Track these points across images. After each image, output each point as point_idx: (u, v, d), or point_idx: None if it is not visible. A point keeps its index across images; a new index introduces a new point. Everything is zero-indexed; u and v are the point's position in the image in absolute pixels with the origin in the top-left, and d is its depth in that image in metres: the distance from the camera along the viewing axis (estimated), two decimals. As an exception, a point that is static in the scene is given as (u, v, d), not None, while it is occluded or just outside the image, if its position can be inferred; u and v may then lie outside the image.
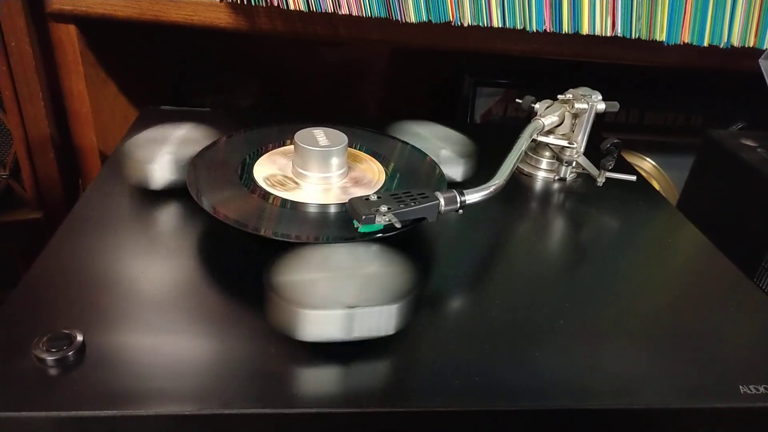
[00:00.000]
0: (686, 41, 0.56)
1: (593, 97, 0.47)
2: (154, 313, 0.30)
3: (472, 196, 0.36)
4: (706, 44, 0.57)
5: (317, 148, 0.38)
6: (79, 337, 0.27)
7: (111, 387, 0.26)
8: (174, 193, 0.40)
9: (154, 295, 0.32)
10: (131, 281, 0.32)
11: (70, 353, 0.27)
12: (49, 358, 0.26)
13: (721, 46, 0.57)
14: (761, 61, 0.52)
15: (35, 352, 0.26)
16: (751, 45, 0.57)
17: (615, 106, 0.48)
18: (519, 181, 0.49)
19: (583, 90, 0.48)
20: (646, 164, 0.83)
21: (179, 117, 0.53)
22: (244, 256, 0.36)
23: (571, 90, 0.49)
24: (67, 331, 0.27)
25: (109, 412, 0.25)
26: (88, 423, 0.25)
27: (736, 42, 0.57)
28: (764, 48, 0.57)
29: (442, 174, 0.42)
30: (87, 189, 0.41)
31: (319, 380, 0.28)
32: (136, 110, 0.70)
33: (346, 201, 0.34)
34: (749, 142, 0.58)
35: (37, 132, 0.59)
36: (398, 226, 0.33)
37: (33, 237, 0.63)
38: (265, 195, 0.37)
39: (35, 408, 0.25)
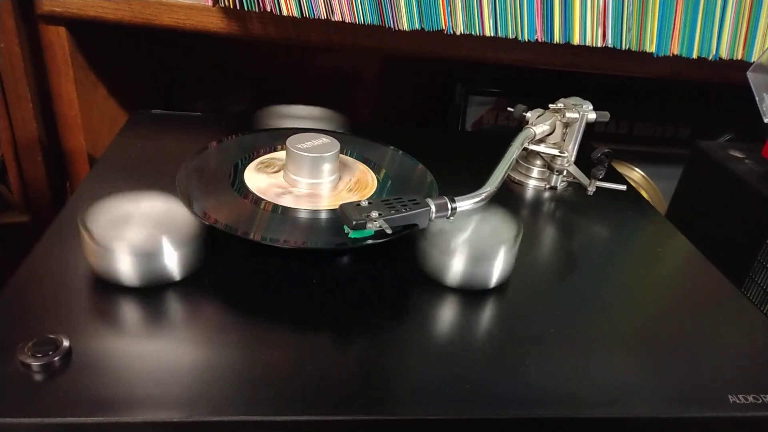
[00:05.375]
0: (675, 53, 0.57)
1: (584, 106, 0.48)
2: (141, 319, 0.30)
3: (463, 203, 0.36)
4: (695, 56, 0.57)
5: (309, 154, 0.38)
6: (65, 343, 0.27)
7: (97, 393, 0.25)
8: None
9: (141, 300, 0.31)
10: (118, 286, 0.32)
11: (56, 359, 0.26)
12: (35, 364, 0.26)
13: (710, 58, 0.58)
14: (749, 74, 0.53)
15: (20, 357, 0.26)
16: (739, 57, 0.58)
17: (605, 116, 0.48)
18: (510, 189, 0.49)
19: (574, 99, 0.49)
20: (635, 174, 0.84)
21: (170, 121, 0.53)
22: (232, 261, 0.35)
23: (562, 99, 0.49)
24: (52, 336, 0.27)
25: (96, 419, 0.24)
26: (74, 430, 0.24)
27: (724, 54, 0.58)
28: (752, 61, 0.57)
29: (433, 181, 0.42)
30: (75, 192, 0.41)
31: (308, 387, 0.27)
32: (126, 114, 0.69)
33: (337, 207, 0.34)
34: (737, 154, 0.59)
35: (24, 134, 0.59)
36: (389, 232, 0.32)
37: (19, 240, 0.62)
38: (255, 200, 0.37)
39: (19, 414, 0.24)
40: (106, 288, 0.32)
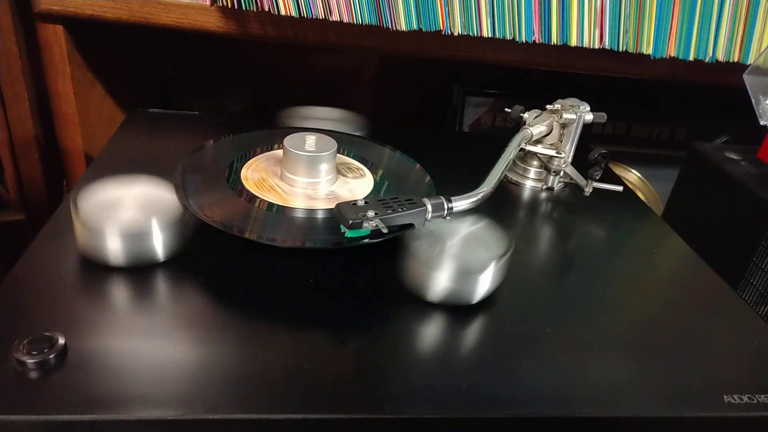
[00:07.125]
0: (672, 55, 0.57)
1: (581, 107, 0.48)
2: (138, 317, 0.30)
3: (460, 203, 0.36)
4: (691, 58, 0.58)
5: (306, 153, 0.38)
6: (61, 340, 0.27)
7: (92, 391, 0.25)
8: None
9: (137, 299, 0.31)
10: (114, 284, 0.32)
11: (51, 356, 0.26)
12: (30, 361, 0.26)
13: (707, 60, 0.58)
14: (745, 76, 0.53)
15: (16, 355, 0.26)
16: (736, 60, 0.58)
17: (603, 117, 0.48)
18: (507, 190, 0.49)
19: (571, 101, 0.49)
20: (632, 176, 0.84)
21: (167, 120, 0.53)
22: (229, 260, 0.35)
23: (559, 100, 0.49)
24: (48, 334, 0.27)
25: (91, 416, 0.24)
26: (69, 427, 0.24)
27: (721, 56, 0.58)
28: (748, 63, 0.58)
29: (430, 181, 0.42)
30: (71, 191, 0.40)
31: (305, 386, 0.27)
32: (124, 113, 0.69)
33: (334, 206, 0.34)
34: (733, 155, 0.59)
35: (21, 133, 0.58)
36: (385, 231, 0.32)
37: (15, 238, 0.62)
38: (252, 198, 0.37)
39: (15, 411, 0.24)
40: (102, 286, 0.32)
